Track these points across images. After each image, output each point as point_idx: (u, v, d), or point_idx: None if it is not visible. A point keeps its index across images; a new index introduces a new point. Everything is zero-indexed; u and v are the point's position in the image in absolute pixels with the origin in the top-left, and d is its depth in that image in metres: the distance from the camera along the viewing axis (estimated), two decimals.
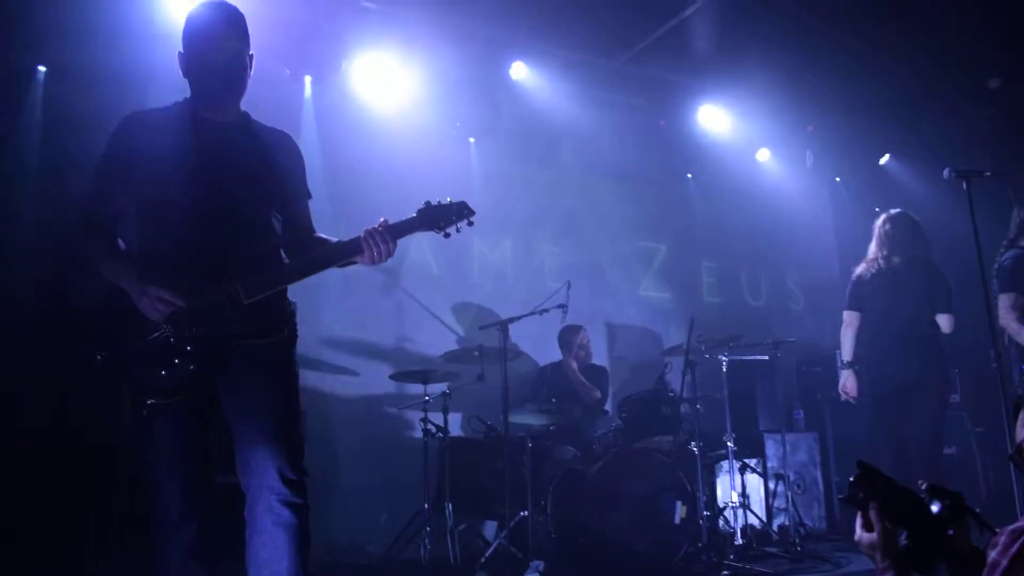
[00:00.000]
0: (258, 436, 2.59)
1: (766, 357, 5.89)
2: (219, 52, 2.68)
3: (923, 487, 1.64)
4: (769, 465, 6.20)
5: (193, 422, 2.65)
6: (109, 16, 4.80)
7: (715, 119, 7.20)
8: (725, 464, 5.54)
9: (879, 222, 5.34)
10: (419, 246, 6.30)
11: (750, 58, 6.62)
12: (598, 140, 7.10)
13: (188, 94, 2.75)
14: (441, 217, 2.74)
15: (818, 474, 6.52)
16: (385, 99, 6.17)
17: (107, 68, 4.71)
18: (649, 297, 7.27)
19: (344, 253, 2.68)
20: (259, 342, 2.64)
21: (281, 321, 2.74)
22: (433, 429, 5.35)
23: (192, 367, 2.57)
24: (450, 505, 5.09)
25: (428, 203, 2.74)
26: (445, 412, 5.31)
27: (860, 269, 5.32)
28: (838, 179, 8.20)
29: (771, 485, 6.11)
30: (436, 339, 5.96)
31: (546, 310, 5.24)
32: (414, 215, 2.72)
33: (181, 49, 2.71)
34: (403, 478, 5.60)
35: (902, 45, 6.55)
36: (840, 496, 1.75)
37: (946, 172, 4.26)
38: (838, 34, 6.40)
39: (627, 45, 6.64)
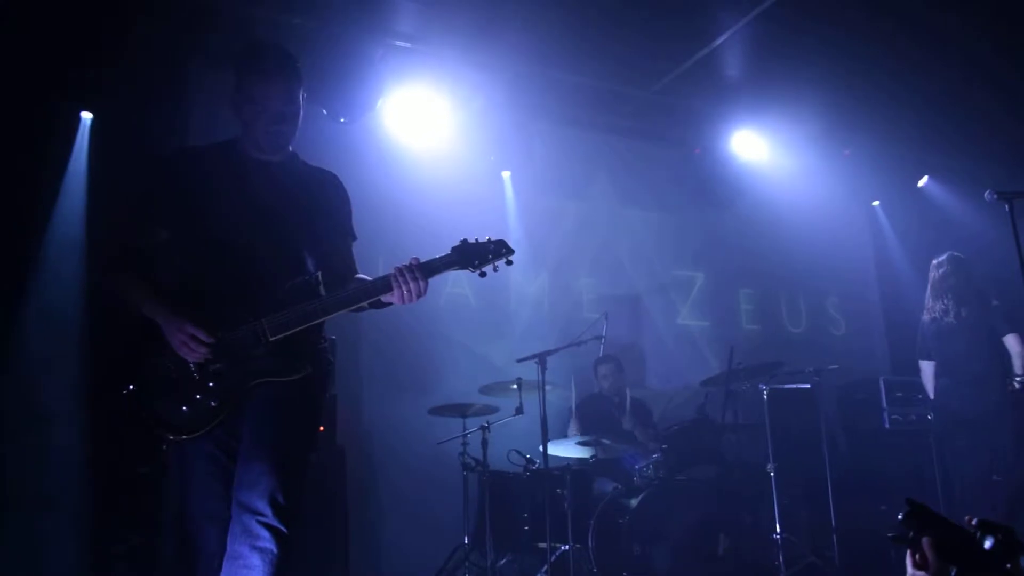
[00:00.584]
0: (255, 459, 2.54)
1: (807, 385, 5.81)
2: (277, 98, 2.71)
3: (973, 523, 1.61)
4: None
5: (224, 460, 2.63)
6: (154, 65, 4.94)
7: (750, 146, 7.18)
8: (769, 493, 5.46)
9: (933, 269, 5.49)
10: (456, 280, 6.34)
11: (783, 84, 6.62)
12: (632, 170, 7.14)
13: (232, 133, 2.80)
14: (476, 255, 2.70)
15: None
16: (419, 136, 6.25)
17: (151, 115, 4.84)
18: (688, 326, 7.23)
19: (373, 291, 2.63)
20: (282, 380, 2.62)
21: (307, 358, 2.69)
22: (472, 463, 5.36)
23: (213, 403, 2.58)
24: (490, 540, 5.07)
25: (464, 240, 2.71)
26: (484, 446, 5.31)
27: (926, 318, 5.69)
28: (876, 203, 8.12)
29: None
30: (473, 373, 5.96)
31: (584, 342, 5.24)
32: (449, 252, 2.68)
33: (236, 89, 2.73)
34: (443, 513, 5.59)
35: (938, 64, 6.48)
36: (889, 535, 1.71)
37: (987, 194, 4.21)
38: (872, 56, 6.36)
39: (659, 75, 6.66)
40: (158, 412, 2.59)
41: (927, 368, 5.66)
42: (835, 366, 5.91)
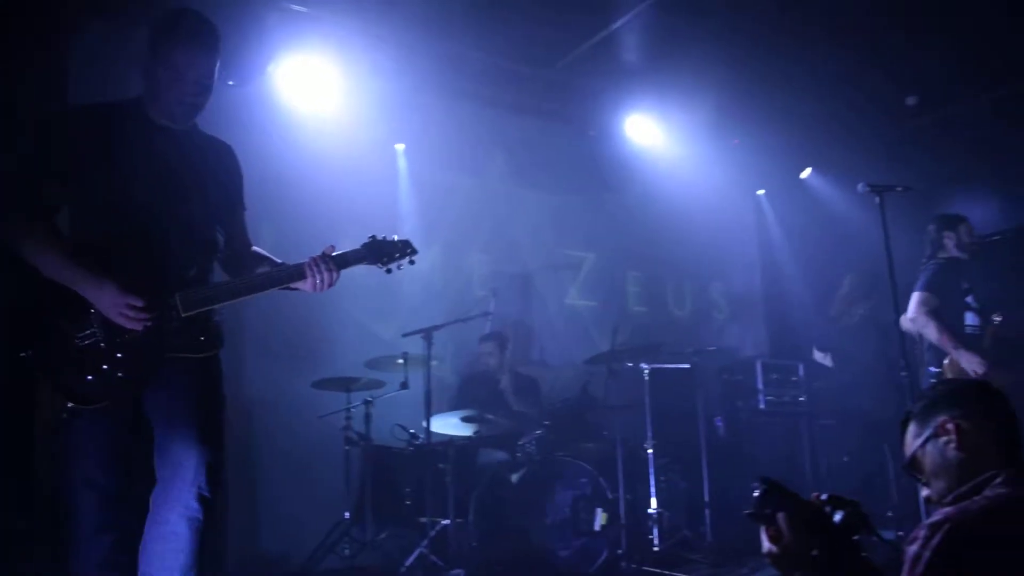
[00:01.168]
0: (181, 433, 2.55)
1: (687, 365, 5.98)
2: (199, 68, 2.66)
3: (822, 498, 1.69)
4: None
5: (117, 432, 2.59)
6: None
7: (643, 130, 7.29)
8: (646, 471, 5.60)
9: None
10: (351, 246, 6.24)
11: (678, 70, 6.73)
12: (528, 149, 7.15)
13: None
14: (385, 253, 2.88)
15: None
16: (311, 104, 6.09)
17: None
18: (576, 306, 7.32)
19: (287, 278, 2.71)
20: (193, 356, 2.63)
21: (216, 337, 2.74)
22: (355, 437, 5.32)
23: (120, 374, 2.53)
24: (371, 514, 5.05)
25: (374, 237, 2.86)
26: (367, 420, 5.27)
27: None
28: (761, 192, 8.38)
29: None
30: (360, 346, 5.89)
31: (471, 318, 5.25)
32: (360, 248, 2.83)
33: (152, 53, 2.64)
34: (325, 487, 5.53)
35: (825, 60, 6.73)
36: (746, 511, 1.77)
37: (860, 186, 4.42)
38: (763, 50, 6.54)
39: (558, 54, 6.69)
40: (61, 379, 2.52)
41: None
42: (713, 348, 6.11)
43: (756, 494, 1.72)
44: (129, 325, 2.51)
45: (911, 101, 7.42)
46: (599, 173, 7.32)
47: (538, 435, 5.42)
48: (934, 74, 7.01)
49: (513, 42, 6.43)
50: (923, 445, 2.00)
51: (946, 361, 4.94)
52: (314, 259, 2.69)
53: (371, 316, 6.25)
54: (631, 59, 6.68)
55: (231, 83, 5.66)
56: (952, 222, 5.27)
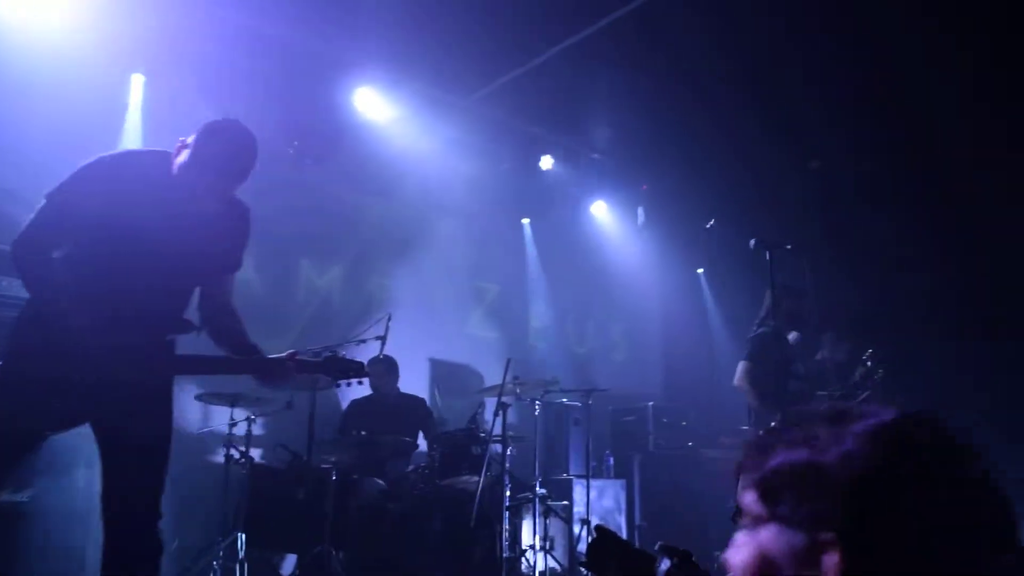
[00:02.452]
0: (133, 468, 2.68)
1: (578, 404, 6.01)
2: (236, 176, 2.81)
3: (656, 548, 1.68)
4: (576, 510, 6.30)
5: (38, 443, 2.69)
6: None
7: (556, 168, 7.37)
8: (531, 507, 5.59)
9: None
10: (245, 264, 6.09)
11: (594, 112, 6.86)
12: (440, 176, 7.14)
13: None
14: (342, 371, 3.02)
15: (622, 520, 6.68)
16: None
17: None
18: (476, 335, 7.31)
19: (252, 369, 2.87)
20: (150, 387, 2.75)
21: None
22: (236, 455, 5.16)
23: (87, 406, 2.61)
24: (243, 536, 4.89)
25: (335, 355, 3.08)
26: (248, 438, 5.12)
27: None
28: (665, 238, 8.55)
29: (576, 530, 6.21)
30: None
31: (363, 341, 5.15)
32: (322, 360, 3.03)
33: (191, 145, 2.73)
34: (201, 504, 5.33)
35: (736, 115, 6.93)
36: (580, 562, 1.77)
37: (752, 242, 4.54)
38: (677, 99, 6.70)
39: (477, 85, 6.73)
40: (26, 397, 2.56)
41: None
42: (607, 388, 6.16)
43: (588, 543, 1.71)
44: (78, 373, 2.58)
45: (814, 165, 7.68)
46: (510, 207, 7.37)
47: (423, 464, 5.35)
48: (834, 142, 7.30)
49: (432, 70, 6.44)
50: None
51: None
52: (280, 360, 2.80)
53: (263, 331, 6.06)
54: (548, 97, 6.77)
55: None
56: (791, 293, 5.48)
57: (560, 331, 7.94)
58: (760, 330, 5.36)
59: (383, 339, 5.19)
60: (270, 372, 2.80)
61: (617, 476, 6.86)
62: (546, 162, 7.32)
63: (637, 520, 6.82)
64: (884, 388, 6.80)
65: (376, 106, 6.59)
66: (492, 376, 6.95)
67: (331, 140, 6.46)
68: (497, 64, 6.49)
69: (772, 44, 6.01)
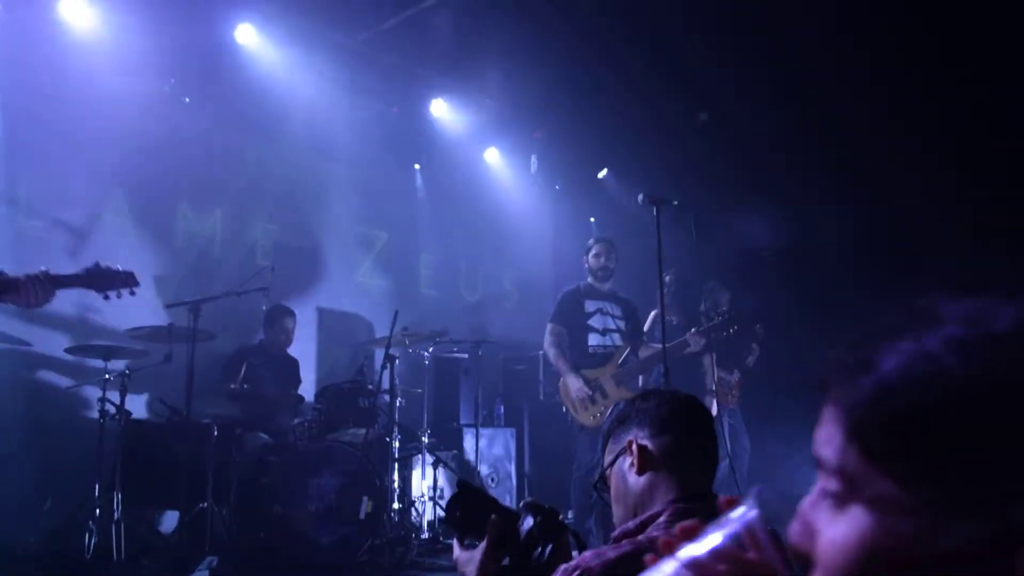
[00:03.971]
0: None
1: (466, 355, 5.98)
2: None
3: (521, 505, 1.64)
4: (466, 459, 6.32)
5: None
6: None
7: (447, 113, 7.22)
8: (420, 458, 5.57)
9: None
10: (117, 207, 5.78)
11: (486, 58, 6.72)
12: (327, 119, 6.89)
13: None
14: (105, 282, 3.01)
15: (512, 468, 6.74)
16: (91, 48, 5.57)
17: None
18: (366, 284, 7.16)
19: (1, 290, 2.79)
20: None
21: None
22: (112, 410, 4.93)
23: None
24: (120, 494, 4.69)
25: (97, 264, 3.00)
26: (123, 392, 4.89)
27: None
28: (557, 187, 8.54)
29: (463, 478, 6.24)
30: (124, 312, 5.46)
31: (244, 292, 4.98)
32: (80, 272, 2.95)
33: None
34: (75, 462, 5.09)
35: (629, 66, 6.91)
36: (443, 520, 1.71)
37: (640, 197, 4.56)
38: (570, 48, 6.62)
39: (365, 26, 6.48)
40: None
41: None
42: (495, 340, 6.16)
43: (449, 498, 1.66)
44: None
45: (703, 117, 7.76)
46: (399, 152, 7.19)
47: (309, 418, 5.25)
48: (726, 94, 7.38)
49: (320, 6, 6.17)
50: (612, 463, 1.72)
51: (560, 383, 5.41)
52: (31, 278, 2.79)
53: (140, 279, 5.77)
54: (439, 41, 6.58)
55: None
56: (587, 247, 5.81)
57: (452, 279, 7.87)
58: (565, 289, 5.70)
59: (266, 290, 5.03)
60: (21, 291, 2.77)
61: (507, 425, 6.89)
62: (437, 107, 7.15)
63: (526, 469, 6.89)
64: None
65: (259, 44, 6.28)
66: (382, 326, 6.85)
67: (211, 78, 6.13)
68: (387, 4, 6.26)
69: None
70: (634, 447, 1.66)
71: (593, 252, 5.66)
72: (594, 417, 5.26)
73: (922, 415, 0.58)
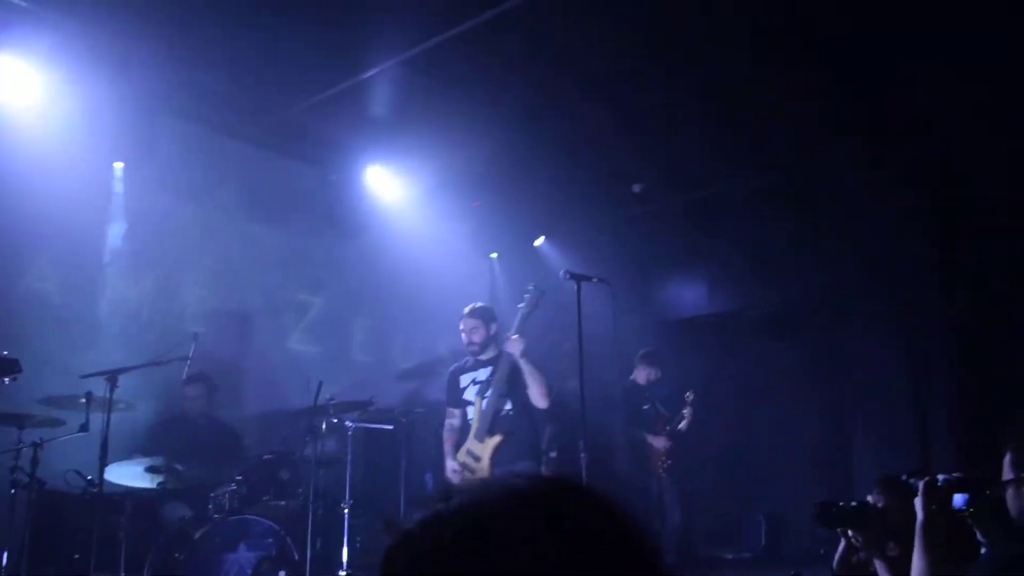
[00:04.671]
0: None
1: (391, 427, 5.95)
2: None
3: None
4: None
5: None
6: None
7: (383, 182, 7.29)
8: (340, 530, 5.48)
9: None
10: (40, 272, 5.71)
11: (423, 128, 6.81)
12: (263, 184, 6.92)
13: None
14: None
15: None
16: (24, 109, 5.56)
17: None
18: (297, 351, 7.12)
19: None
20: None
21: None
22: (24, 479, 4.80)
23: None
24: (27, 564, 4.55)
25: None
26: (35, 462, 4.77)
27: None
28: (494, 255, 8.62)
29: None
30: (40, 379, 5.34)
31: (166, 362, 4.92)
32: None
33: None
34: None
35: (565, 138, 7.09)
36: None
37: (561, 273, 4.67)
38: (509, 118, 6.76)
39: (304, 94, 6.55)
40: None
41: None
42: (421, 410, 6.14)
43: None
44: None
45: (637, 189, 7.94)
46: (336, 218, 7.21)
47: (231, 489, 5.17)
48: (657, 168, 7.59)
49: (256, 75, 6.24)
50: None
51: None
52: None
53: (61, 346, 5.70)
54: (378, 111, 6.67)
55: None
56: None
57: (386, 345, 7.85)
58: None
59: (188, 359, 4.98)
60: None
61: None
62: (374, 175, 7.22)
63: None
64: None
65: (191, 107, 6.32)
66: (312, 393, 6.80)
67: (145, 144, 6.14)
68: (325, 74, 6.34)
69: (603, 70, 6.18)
70: None
71: (460, 328, 5.53)
72: None
73: None
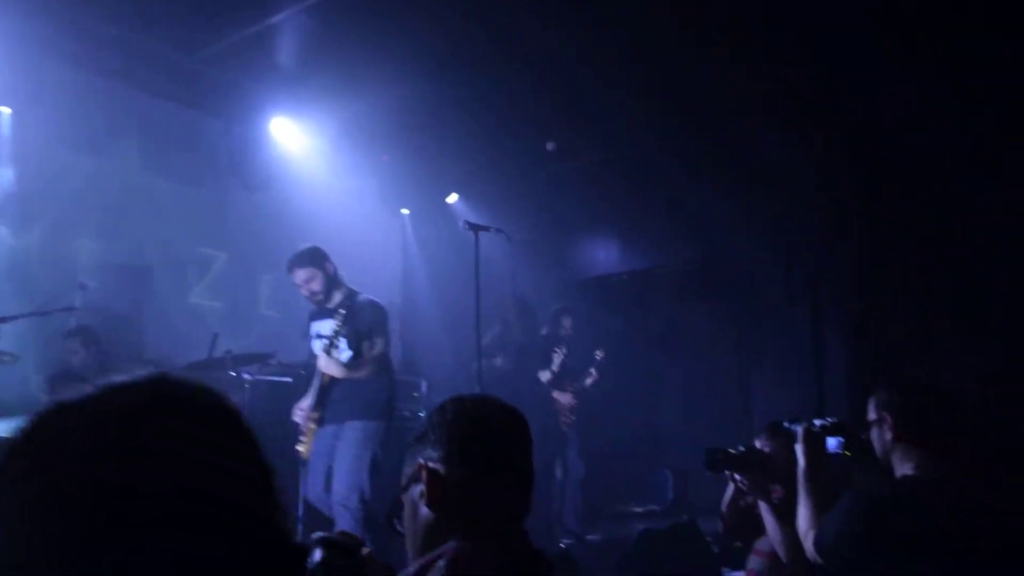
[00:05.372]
0: None
1: (290, 380, 5.86)
2: None
3: (313, 538, 1.50)
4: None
5: None
6: None
7: (289, 134, 7.11)
8: None
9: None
10: None
11: (331, 79, 6.65)
12: (163, 135, 6.70)
13: None
14: None
15: None
16: None
17: None
18: (200, 305, 6.94)
19: None
20: None
21: None
22: None
23: None
24: None
25: None
26: None
27: None
28: (405, 211, 8.53)
29: None
30: None
31: (49, 312, 4.75)
32: None
33: None
34: None
35: (478, 93, 6.99)
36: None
37: (461, 224, 4.65)
38: (420, 72, 6.64)
39: (205, 42, 6.32)
40: None
41: None
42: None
43: None
44: None
45: (551, 147, 7.92)
46: (240, 171, 7.03)
47: None
48: (571, 129, 7.57)
49: (153, 20, 5.99)
50: (405, 488, 1.53)
51: None
52: None
53: None
54: (283, 59, 6.49)
55: None
56: None
57: (295, 300, 7.69)
58: None
59: (74, 309, 4.82)
60: None
61: None
62: (279, 126, 7.04)
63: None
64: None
65: (89, 56, 6.05)
66: (216, 348, 6.66)
67: (34, 90, 5.87)
68: (227, 21, 6.13)
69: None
70: (423, 473, 1.45)
71: (295, 284, 5.16)
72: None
73: None
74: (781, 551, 2.98)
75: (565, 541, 6.49)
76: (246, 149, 6.96)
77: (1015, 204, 5.60)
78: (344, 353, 4.84)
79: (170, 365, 6.18)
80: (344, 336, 4.79)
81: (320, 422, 4.85)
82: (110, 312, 5.92)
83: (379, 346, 4.97)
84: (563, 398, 7.01)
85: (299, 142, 7.19)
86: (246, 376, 5.37)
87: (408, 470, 1.52)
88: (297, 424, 4.94)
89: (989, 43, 5.57)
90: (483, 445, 1.46)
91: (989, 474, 2.64)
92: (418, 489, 1.46)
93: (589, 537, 6.85)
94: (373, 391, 4.87)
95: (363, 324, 4.90)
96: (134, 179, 6.57)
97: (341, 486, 4.61)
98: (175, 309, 6.72)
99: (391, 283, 8.53)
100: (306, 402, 4.93)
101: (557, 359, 6.84)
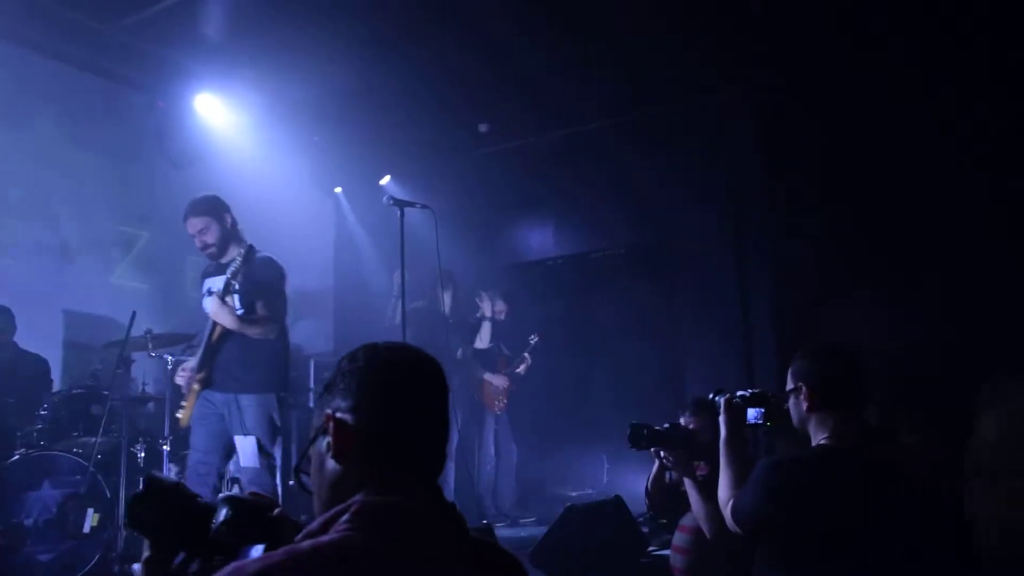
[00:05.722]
0: None
1: None
2: None
3: (219, 498, 1.47)
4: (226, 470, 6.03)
5: None
6: None
7: (216, 110, 6.92)
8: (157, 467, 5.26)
9: None
10: None
11: (260, 55, 6.49)
12: (84, 108, 6.47)
13: None
14: None
15: (279, 480, 6.50)
16: None
17: None
18: (122, 286, 6.73)
19: None
20: None
21: None
22: None
23: None
24: None
25: None
26: None
27: None
28: (338, 190, 8.40)
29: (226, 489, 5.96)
30: None
31: None
32: None
33: None
34: None
35: (412, 73, 6.87)
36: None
37: (385, 199, 4.58)
38: (349, 50, 6.50)
39: (126, 11, 6.10)
40: None
41: None
42: None
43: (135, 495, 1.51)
44: None
45: (484, 128, 7.85)
46: (165, 147, 6.81)
47: (39, 427, 4.86)
48: (506, 109, 7.50)
49: None
50: (312, 441, 1.44)
51: None
52: None
53: None
54: (209, 31, 6.30)
55: None
56: None
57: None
58: None
59: None
60: None
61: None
62: (204, 102, 6.84)
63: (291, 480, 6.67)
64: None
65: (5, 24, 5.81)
66: (138, 328, 6.47)
67: None
68: None
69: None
70: (331, 424, 1.37)
71: (189, 233, 4.67)
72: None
73: None
74: (705, 527, 2.99)
75: (499, 525, 6.46)
76: (171, 125, 6.75)
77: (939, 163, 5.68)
78: (237, 311, 4.41)
79: (89, 346, 6.01)
80: (236, 293, 4.37)
81: (206, 383, 4.36)
82: (27, 291, 5.72)
83: (275, 307, 4.53)
84: (497, 381, 6.98)
85: (227, 119, 7.01)
86: (167, 357, 5.21)
87: (316, 422, 1.44)
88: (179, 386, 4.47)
89: None
90: (396, 393, 1.40)
91: (904, 441, 2.66)
92: (325, 441, 1.38)
93: (523, 520, 6.84)
94: (268, 361, 4.45)
95: (258, 281, 4.47)
96: (51, 153, 6.33)
97: (251, 466, 4.35)
98: (97, 289, 6.50)
99: (324, 263, 8.40)
100: (191, 362, 4.45)
101: (486, 330, 6.80)
